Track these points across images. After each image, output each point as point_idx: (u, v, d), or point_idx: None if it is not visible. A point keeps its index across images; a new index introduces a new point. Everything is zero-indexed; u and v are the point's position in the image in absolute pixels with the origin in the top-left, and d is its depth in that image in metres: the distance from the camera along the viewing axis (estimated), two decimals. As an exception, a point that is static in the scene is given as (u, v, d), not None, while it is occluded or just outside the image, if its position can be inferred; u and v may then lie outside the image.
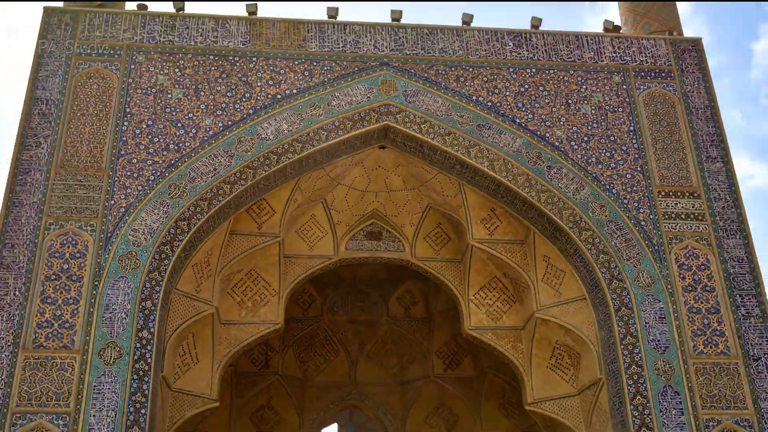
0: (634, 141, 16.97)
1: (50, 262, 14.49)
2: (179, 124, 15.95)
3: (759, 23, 49.06)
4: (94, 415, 13.43)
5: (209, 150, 15.75)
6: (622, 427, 14.94)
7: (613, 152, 16.79)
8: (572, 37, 17.97)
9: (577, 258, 16.31)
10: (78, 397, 13.50)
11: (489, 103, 16.93)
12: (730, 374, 15.01)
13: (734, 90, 50.25)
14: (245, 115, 16.17)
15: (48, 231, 14.72)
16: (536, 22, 17.94)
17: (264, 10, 17.52)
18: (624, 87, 17.55)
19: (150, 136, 15.77)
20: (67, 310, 14.14)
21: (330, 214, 18.65)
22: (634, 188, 16.47)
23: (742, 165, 49.65)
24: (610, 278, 15.79)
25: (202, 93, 16.30)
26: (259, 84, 16.52)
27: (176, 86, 16.32)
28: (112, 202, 15.07)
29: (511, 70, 17.39)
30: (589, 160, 16.63)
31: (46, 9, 16.71)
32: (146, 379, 13.97)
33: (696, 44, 18.22)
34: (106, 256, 14.62)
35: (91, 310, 14.17)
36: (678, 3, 18.99)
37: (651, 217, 16.23)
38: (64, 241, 14.69)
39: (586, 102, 17.25)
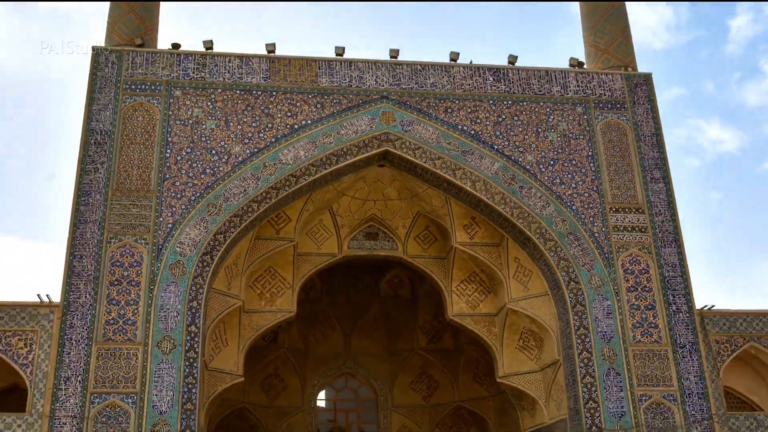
0: (591, 164, 20.30)
1: (113, 270, 17.61)
2: (213, 151, 18.95)
3: (736, 2, 52.37)
4: (156, 395, 16.78)
5: (239, 174, 18.80)
6: (575, 400, 18.69)
7: (574, 174, 20.11)
8: (543, 72, 21.08)
9: (542, 262, 19.79)
10: (143, 380, 16.82)
11: (472, 132, 20.11)
12: (660, 359, 18.69)
13: (710, 63, 54.20)
14: (268, 143, 19.20)
15: (109, 244, 17.79)
16: (512, 59, 21.01)
17: (281, 48, 20.35)
18: (585, 117, 20.79)
19: (189, 162, 18.75)
20: (129, 310, 17.34)
21: (335, 219, 21.89)
22: (590, 205, 19.86)
23: (714, 131, 53.77)
24: (568, 280, 19.30)
25: (231, 123, 19.26)
26: (279, 116, 19.49)
27: (209, 118, 19.24)
28: (161, 219, 18.14)
29: (491, 102, 20.54)
30: (554, 181, 19.96)
31: (94, 48, 19.39)
32: (195, 364, 17.30)
33: (647, 79, 21.47)
34: (158, 264, 17.77)
35: (149, 309, 17.37)
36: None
37: (603, 229, 19.67)
38: (123, 252, 17.78)
39: (552, 130, 20.48)
